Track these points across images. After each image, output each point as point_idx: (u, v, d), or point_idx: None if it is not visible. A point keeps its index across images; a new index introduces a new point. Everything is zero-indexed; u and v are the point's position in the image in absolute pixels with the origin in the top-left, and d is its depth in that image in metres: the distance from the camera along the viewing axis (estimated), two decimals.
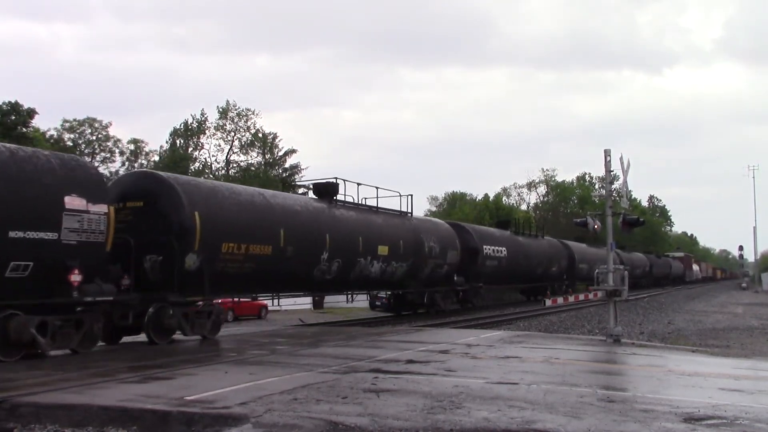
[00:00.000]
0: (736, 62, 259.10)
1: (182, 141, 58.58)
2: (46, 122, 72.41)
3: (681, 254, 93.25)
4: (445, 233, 28.40)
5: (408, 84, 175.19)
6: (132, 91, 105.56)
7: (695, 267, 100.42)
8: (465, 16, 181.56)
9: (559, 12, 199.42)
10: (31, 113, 38.08)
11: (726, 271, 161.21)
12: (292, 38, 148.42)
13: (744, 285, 75.87)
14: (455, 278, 29.41)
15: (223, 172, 56.58)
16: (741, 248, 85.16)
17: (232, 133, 58.71)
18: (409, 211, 25.90)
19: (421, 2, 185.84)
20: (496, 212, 57.78)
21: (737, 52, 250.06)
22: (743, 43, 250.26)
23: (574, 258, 45.29)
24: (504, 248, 34.38)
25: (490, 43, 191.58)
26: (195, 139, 58.65)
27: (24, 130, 38.07)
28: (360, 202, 23.47)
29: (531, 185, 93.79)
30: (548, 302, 35.10)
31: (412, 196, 25.83)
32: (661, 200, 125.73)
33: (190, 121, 58.21)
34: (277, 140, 59.70)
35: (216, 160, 59.03)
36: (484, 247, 31.91)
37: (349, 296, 25.61)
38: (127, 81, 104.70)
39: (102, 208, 13.22)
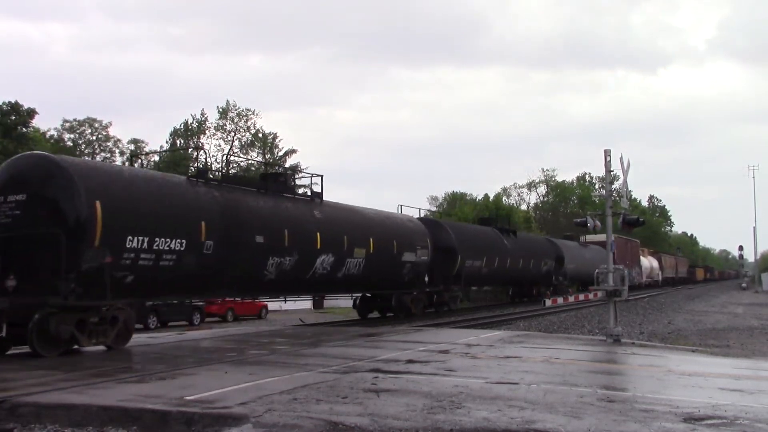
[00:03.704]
0: (732, 61, 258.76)
1: (182, 141, 58.64)
2: (46, 122, 72.50)
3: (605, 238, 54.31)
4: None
5: (405, 84, 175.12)
6: (131, 90, 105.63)
7: (647, 262, 66.27)
8: (459, 15, 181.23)
9: (553, 12, 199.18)
10: (31, 113, 38.09)
11: (713, 271, 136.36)
12: (287, 38, 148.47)
13: (744, 285, 75.96)
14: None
15: (223, 172, 56.60)
16: (741, 248, 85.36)
17: (232, 133, 58.83)
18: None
19: (416, 2, 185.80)
20: (496, 212, 57.74)
21: (733, 52, 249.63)
22: (739, 42, 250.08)
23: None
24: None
25: (484, 43, 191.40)
26: (195, 139, 58.70)
27: (24, 130, 38.10)
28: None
29: (531, 185, 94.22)
30: (548, 302, 35.10)
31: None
32: (661, 200, 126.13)
33: (190, 121, 58.34)
34: (277, 140, 59.90)
35: (216, 160, 59.11)
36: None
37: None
38: (126, 80, 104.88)
39: None
